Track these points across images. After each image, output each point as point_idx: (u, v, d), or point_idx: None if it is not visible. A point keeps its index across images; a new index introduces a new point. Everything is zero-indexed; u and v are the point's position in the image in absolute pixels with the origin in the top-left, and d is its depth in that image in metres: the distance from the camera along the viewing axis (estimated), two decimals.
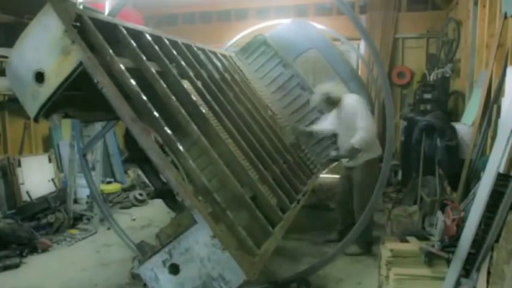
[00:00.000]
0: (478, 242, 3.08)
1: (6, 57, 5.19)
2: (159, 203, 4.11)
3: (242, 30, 6.72)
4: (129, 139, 3.07)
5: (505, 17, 3.88)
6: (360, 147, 4.06)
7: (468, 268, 3.06)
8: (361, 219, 3.43)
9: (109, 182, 6.95)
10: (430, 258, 3.47)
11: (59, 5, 2.11)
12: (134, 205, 6.54)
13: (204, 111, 2.99)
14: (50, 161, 6.43)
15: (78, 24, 2.19)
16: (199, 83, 3.29)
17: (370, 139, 4.14)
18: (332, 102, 4.35)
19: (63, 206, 5.52)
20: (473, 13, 5.27)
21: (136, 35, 2.78)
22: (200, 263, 1.99)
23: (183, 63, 3.19)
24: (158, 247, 2.11)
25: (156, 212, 6.00)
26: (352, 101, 4.30)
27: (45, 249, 4.69)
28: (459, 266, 3.06)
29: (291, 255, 4.15)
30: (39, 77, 2.14)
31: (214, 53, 4.29)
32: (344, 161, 4.50)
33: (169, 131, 2.34)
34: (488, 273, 2.85)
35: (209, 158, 2.67)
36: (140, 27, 2.88)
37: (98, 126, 5.22)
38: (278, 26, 6.09)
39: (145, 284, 2.11)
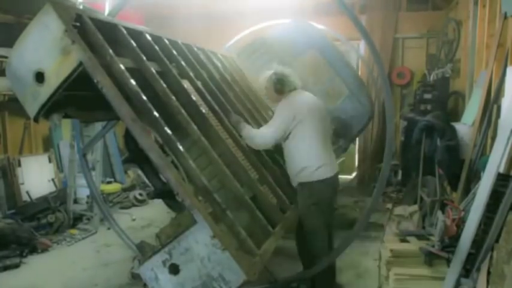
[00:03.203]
0: (478, 242, 3.09)
1: (6, 57, 5.19)
2: (159, 203, 4.10)
3: (242, 30, 6.72)
4: (129, 139, 3.06)
5: (505, 17, 3.88)
6: (244, 137, 3.26)
7: (468, 268, 3.07)
8: (360, 222, 3.41)
9: (109, 182, 6.95)
10: (430, 258, 3.48)
11: (59, 5, 2.11)
12: (134, 205, 6.55)
13: (204, 111, 2.99)
14: (50, 161, 6.43)
15: (78, 24, 2.19)
16: (199, 83, 3.29)
17: (262, 142, 3.30)
18: (280, 90, 3.45)
19: (63, 206, 5.52)
20: (473, 13, 5.27)
21: (136, 35, 2.77)
22: (200, 263, 1.99)
23: (183, 63, 3.19)
24: (158, 247, 2.11)
25: (156, 212, 6.00)
26: (305, 99, 3.42)
27: (45, 249, 4.70)
28: (459, 266, 3.07)
29: (291, 255, 4.13)
30: (39, 77, 2.14)
31: (215, 53, 4.28)
32: None
33: (169, 131, 2.34)
34: (488, 273, 2.85)
35: (209, 158, 2.67)
36: (140, 27, 2.88)
37: (98, 126, 5.21)
38: (278, 26, 6.10)
39: (145, 284, 2.11)
